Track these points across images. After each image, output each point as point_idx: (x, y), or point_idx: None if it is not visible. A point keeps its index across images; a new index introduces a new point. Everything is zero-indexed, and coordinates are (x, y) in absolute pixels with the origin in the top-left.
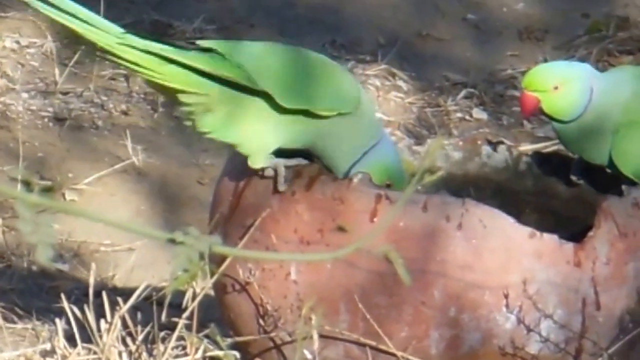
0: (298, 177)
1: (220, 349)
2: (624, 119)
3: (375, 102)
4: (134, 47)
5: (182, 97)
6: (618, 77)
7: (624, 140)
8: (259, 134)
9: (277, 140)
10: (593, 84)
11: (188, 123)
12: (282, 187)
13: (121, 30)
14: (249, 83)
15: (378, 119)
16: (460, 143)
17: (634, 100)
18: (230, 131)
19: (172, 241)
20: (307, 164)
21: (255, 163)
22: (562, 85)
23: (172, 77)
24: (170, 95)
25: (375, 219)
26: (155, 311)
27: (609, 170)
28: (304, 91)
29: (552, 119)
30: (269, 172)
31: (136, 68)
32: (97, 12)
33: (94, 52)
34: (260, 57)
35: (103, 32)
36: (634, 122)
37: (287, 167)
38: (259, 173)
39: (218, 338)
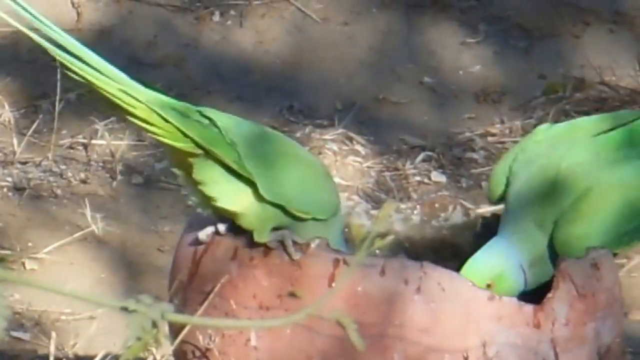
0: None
1: None
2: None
3: (333, 167)
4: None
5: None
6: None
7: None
8: (258, 210)
9: (272, 219)
10: (522, 264)
11: (195, 189)
12: (296, 256)
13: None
14: (237, 166)
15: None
16: (419, 206)
17: None
18: (234, 202)
19: (125, 309)
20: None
21: (261, 238)
22: (495, 284)
23: (177, 139)
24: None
25: (333, 284)
26: None
27: None
28: (286, 188)
29: None
30: (274, 245)
31: (146, 126)
32: (55, 82)
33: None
34: (253, 141)
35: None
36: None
37: (294, 242)
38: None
39: None
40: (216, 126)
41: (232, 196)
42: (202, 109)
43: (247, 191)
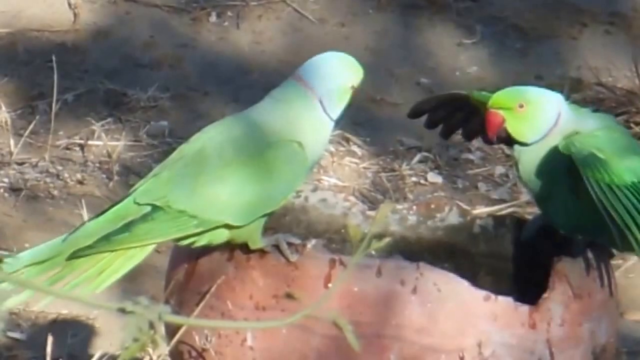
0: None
1: None
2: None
3: (330, 168)
4: (82, 254)
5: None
6: (590, 116)
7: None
8: (240, 232)
9: (255, 228)
10: (561, 110)
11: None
12: (293, 258)
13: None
14: (202, 228)
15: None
16: (415, 207)
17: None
18: (220, 237)
19: (122, 311)
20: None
21: (255, 245)
22: (528, 104)
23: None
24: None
25: (329, 285)
26: None
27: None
28: (253, 206)
29: (515, 141)
30: (270, 249)
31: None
32: (51, 83)
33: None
34: (201, 183)
35: (47, 261)
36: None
37: (289, 244)
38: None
39: None
40: (157, 207)
41: (217, 236)
42: (135, 195)
43: (223, 227)
